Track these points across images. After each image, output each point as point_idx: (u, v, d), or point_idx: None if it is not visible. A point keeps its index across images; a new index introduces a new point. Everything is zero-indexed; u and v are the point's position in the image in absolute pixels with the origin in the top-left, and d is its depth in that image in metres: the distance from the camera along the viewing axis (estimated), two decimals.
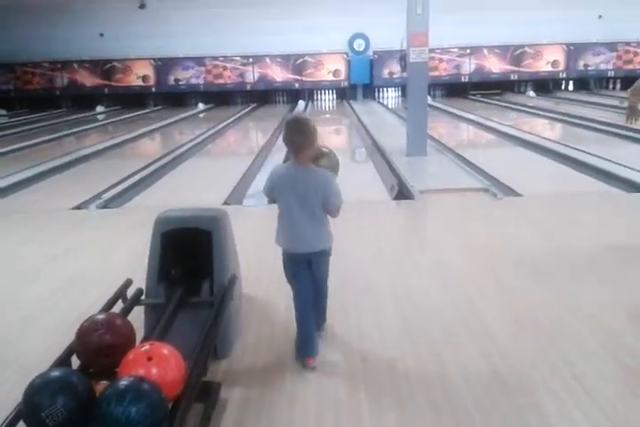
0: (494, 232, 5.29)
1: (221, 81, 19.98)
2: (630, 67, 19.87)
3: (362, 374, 2.95)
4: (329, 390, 2.83)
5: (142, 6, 19.27)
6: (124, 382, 2.17)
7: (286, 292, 4.03)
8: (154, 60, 19.80)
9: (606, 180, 7.06)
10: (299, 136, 2.95)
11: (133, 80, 20.02)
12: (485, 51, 19.79)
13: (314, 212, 3.05)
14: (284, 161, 3.15)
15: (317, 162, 3.11)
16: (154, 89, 20.13)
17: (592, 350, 3.11)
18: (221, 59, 19.81)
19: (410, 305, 3.76)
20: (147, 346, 2.42)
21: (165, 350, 2.42)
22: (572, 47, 19.67)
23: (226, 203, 6.52)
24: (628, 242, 4.87)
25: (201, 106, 19.62)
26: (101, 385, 2.28)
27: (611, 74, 20.18)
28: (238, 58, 19.79)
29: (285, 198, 3.09)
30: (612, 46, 19.76)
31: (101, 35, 19.53)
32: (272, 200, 3.27)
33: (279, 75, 19.89)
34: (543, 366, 2.96)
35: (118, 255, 4.94)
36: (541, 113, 14.61)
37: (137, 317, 3.09)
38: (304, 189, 3.01)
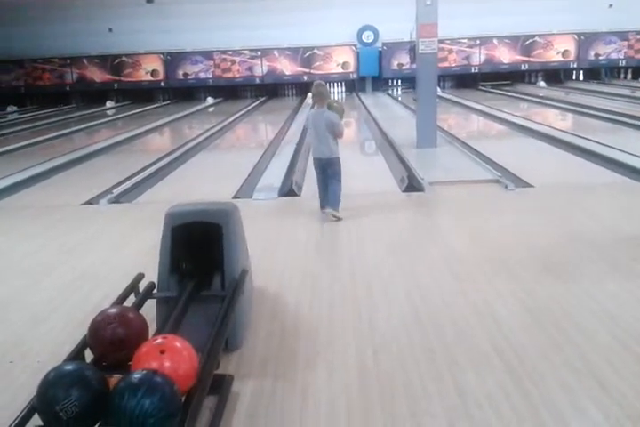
0: (505, 224, 5.27)
1: (230, 75, 19.97)
2: None
3: (373, 367, 2.95)
4: (340, 382, 2.84)
5: (150, 1, 19.22)
6: (137, 376, 2.18)
7: (297, 285, 4.06)
8: (163, 54, 19.81)
9: (618, 170, 7.01)
10: (322, 92, 5.42)
11: (142, 75, 20.06)
12: (495, 41, 19.66)
13: (326, 134, 5.38)
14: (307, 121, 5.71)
15: (331, 108, 5.45)
16: (163, 84, 20.16)
17: (605, 342, 3.09)
18: (230, 53, 19.80)
19: (421, 297, 3.75)
20: (159, 339, 2.44)
21: (178, 343, 2.43)
22: (582, 37, 19.50)
23: (236, 197, 6.52)
24: None
25: (210, 100, 19.63)
26: (115, 378, 2.29)
27: (622, 63, 20.00)
28: (247, 51, 19.78)
29: (313, 127, 5.47)
30: (622, 35, 19.57)
31: (110, 30, 19.55)
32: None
33: (288, 68, 19.85)
34: (556, 359, 2.95)
35: (130, 250, 4.96)
36: (552, 103, 14.50)
37: (149, 310, 3.11)
38: (321, 121, 5.37)
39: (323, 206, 5.60)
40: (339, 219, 5.47)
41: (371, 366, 2.96)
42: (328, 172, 5.50)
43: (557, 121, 12.70)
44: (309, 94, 19.13)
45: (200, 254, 3.32)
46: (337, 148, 5.51)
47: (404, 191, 6.59)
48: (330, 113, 5.38)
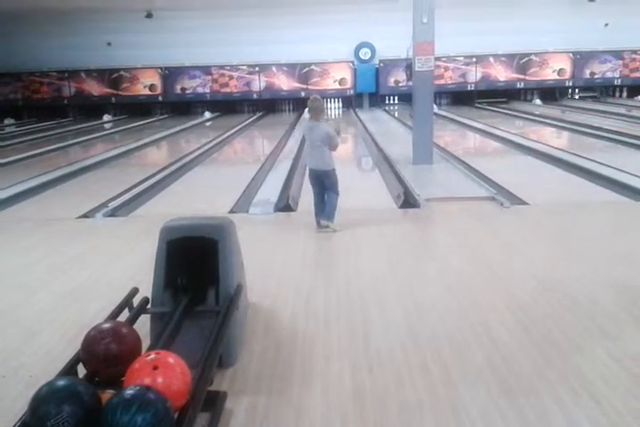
0: (501, 241, 5.27)
1: (228, 90, 20.07)
2: (637, 75, 19.89)
3: (368, 384, 2.93)
4: (335, 399, 2.82)
5: (149, 16, 19.40)
6: (129, 392, 2.16)
7: (292, 300, 4.05)
8: (161, 69, 19.90)
9: (614, 188, 7.03)
10: (317, 106, 5.52)
11: (140, 89, 20.13)
12: (491, 59, 19.82)
13: (321, 146, 5.51)
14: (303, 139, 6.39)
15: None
16: (160, 98, 20.23)
17: (601, 360, 3.08)
18: (228, 68, 19.91)
19: (416, 314, 3.74)
20: (152, 355, 2.42)
21: (171, 359, 2.41)
22: (578, 55, 19.69)
23: (232, 211, 6.52)
24: (638, 251, 4.85)
25: (207, 115, 19.70)
26: (107, 394, 2.27)
27: (617, 82, 20.17)
28: (245, 67, 19.89)
29: (309, 139, 5.66)
30: (618, 54, 19.76)
31: (109, 44, 19.67)
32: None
33: (285, 83, 19.96)
34: (551, 376, 2.94)
35: (124, 264, 4.94)
36: (548, 121, 14.59)
37: (143, 325, 3.09)
38: (317, 134, 5.52)
39: (318, 219, 5.67)
40: (334, 231, 5.54)
41: (366, 383, 2.94)
42: (325, 183, 5.60)
43: (553, 139, 12.77)
44: (306, 109, 19.34)
45: (195, 269, 3.31)
46: (332, 160, 5.63)
47: (400, 208, 6.59)
48: (325, 125, 5.56)
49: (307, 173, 6.06)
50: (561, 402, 2.71)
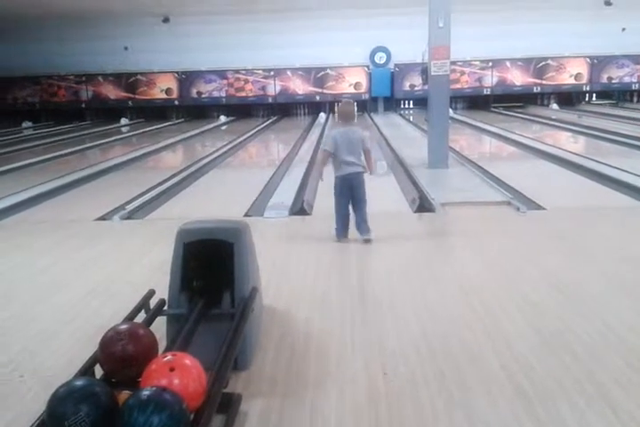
0: (517, 246, 5.25)
1: (243, 94, 20.16)
2: None
3: (383, 389, 2.93)
4: (350, 403, 2.82)
5: (166, 20, 19.56)
6: (146, 392, 2.18)
7: (306, 304, 4.06)
8: (177, 73, 20.04)
9: (630, 193, 6.98)
10: (348, 112, 5.36)
11: (157, 93, 20.28)
12: (508, 63, 19.76)
13: (358, 151, 5.24)
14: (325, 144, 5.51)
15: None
16: (177, 102, 20.36)
17: (615, 364, 3.06)
18: (243, 72, 20.01)
19: (431, 318, 3.74)
20: (169, 356, 2.44)
21: (187, 360, 2.43)
22: (595, 60, 19.57)
23: (247, 214, 6.55)
24: None
25: (223, 118, 19.78)
26: (124, 395, 2.29)
27: (635, 87, 20.02)
28: (260, 71, 19.97)
29: (341, 146, 5.18)
30: (635, 59, 19.61)
31: (126, 48, 19.84)
32: (329, 153, 5.26)
33: (300, 88, 20.02)
34: (565, 381, 2.92)
35: (141, 266, 4.98)
36: (564, 126, 14.51)
37: (159, 327, 3.11)
38: (352, 138, 5.22)
39: (363, 232, 5.36)
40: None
41: (380, 387, 2.94)
42: (357, 194, 5.31)
43: (570, 144, 12.70)
44: (321, 114, 19.55)
45: (211, 272, 3.33)
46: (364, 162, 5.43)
47: (415, 212, 6.59)
48: (359, 130, 5.37)
49: (332, 181, 5.42)
50: (575, 407, 2.69)
